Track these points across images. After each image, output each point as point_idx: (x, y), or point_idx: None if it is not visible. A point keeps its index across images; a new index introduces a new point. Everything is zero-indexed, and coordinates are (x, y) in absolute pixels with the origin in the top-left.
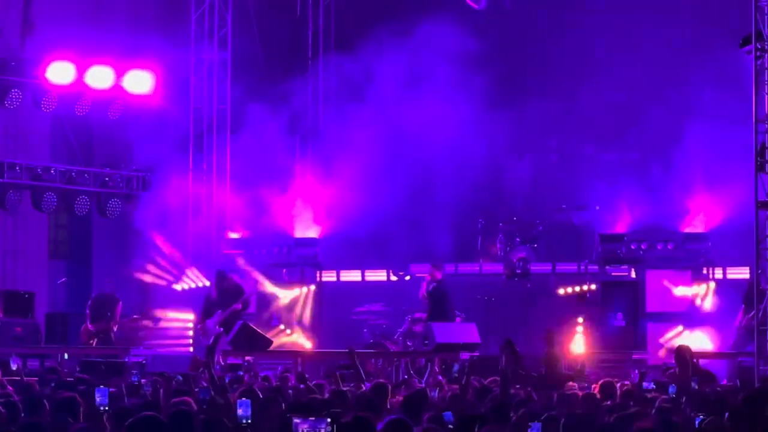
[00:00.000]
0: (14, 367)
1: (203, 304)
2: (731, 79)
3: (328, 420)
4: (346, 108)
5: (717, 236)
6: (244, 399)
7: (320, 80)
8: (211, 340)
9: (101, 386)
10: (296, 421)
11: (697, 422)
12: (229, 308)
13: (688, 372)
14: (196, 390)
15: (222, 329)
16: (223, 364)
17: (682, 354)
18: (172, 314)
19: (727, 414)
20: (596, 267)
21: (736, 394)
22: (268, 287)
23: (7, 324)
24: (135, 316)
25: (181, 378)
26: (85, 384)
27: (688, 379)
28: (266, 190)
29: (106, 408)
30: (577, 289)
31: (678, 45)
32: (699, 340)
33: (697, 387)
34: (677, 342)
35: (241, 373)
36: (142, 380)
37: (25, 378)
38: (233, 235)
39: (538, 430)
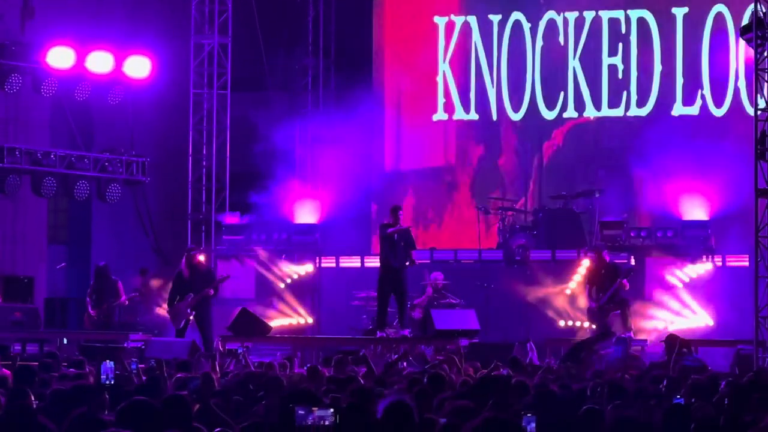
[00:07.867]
0: None
1: (173, 285)
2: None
3: (331, 410)
4: (345, 90)
5: (717, 224)
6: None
7: (320, 65)
8: (182, 324)
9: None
10: (300, 411)
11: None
12: (202, 292)
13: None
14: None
15: (193, 313)
16: (222, 350)
17: (670, 341)
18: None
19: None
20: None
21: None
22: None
23: (6, 309)
24: (133, 294)
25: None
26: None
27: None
28: (265, 175)
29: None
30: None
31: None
32: (697, 326)
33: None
34: (671, 328)
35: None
36: (141, 365)
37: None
38: (232, 220)
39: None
